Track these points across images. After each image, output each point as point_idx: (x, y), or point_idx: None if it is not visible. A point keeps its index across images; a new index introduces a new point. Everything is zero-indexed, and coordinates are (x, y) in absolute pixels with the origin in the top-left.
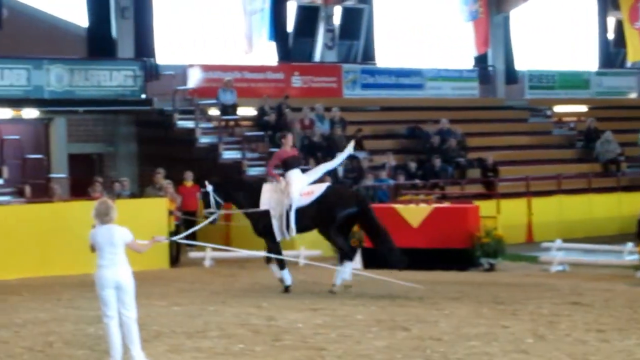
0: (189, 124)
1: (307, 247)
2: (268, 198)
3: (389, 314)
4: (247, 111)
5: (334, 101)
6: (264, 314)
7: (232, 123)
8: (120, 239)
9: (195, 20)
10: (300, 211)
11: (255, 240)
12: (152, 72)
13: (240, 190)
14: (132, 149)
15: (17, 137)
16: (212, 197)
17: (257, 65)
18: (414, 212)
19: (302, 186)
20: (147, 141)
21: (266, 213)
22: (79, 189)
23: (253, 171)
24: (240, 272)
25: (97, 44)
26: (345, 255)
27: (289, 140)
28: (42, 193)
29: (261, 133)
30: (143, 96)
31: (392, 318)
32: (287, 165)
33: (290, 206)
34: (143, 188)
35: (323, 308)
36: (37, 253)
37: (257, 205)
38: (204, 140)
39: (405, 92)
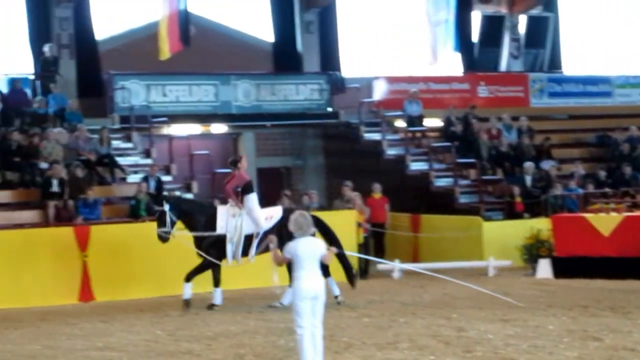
0: (376, 136)
1: (496, 257)
2: (224, 221)
3: (581, 324)
4: (433, 122)
5: (521, 110)
6: (454, 325)
7: (418, 134)
8: (319, 251)
9: (379, 32)
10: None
11: (444, 252)
12: (337, 85)
13: (195, 211)
14: (320, 162)
15: (206, 152)
16: (168, 216)
17: (443, 76)
18: (605, 220)
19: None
20: (334, 154)
21: (221, 237)
22: (268, 203)
23: (440, 182)
24: (429, 284)
25: (283, 59)
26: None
27: (244, 164)
28: None
29: (448, 144)
30: (329, 109)
31: (583, 328)
32: (245, 189)
33: (258, 233)
34: (331, 200)
35: (514, 319)
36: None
37: (211, 227)
38: (391, 152)
39: (593, 100)
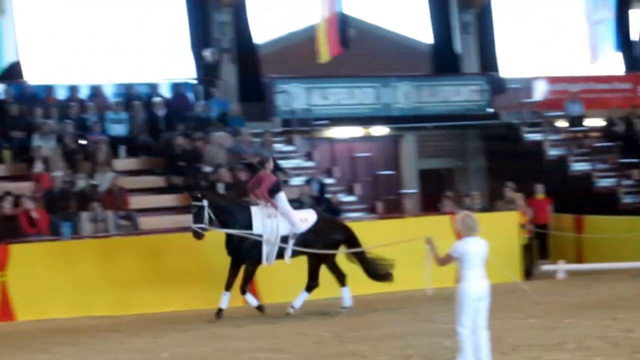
0: (537, 137)
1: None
2: (261, 222)
3: None
4: (594, 122)
5: None
6: (621, 325)
7: (580, 135)
8: (485, 251)
9: (537, 32)
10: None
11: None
12: (497, 86)
13: (233, 209)
14: (481, 163)
15: (368, 154)
16: (206, 212)
17: (604, 76)
18: None
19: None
20: (495, 155)
21: (258, 237)
22: (430, 204)
23: (603, 182)
24: (595, 284)
25: (442, 60)
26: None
27: (271, 164)
28: (394, 209)
29: (610, 144)
30: (490, 110)
31: None
32: (275, 189)
33: (294, 233)
34: (493, 202)
35: None
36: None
37: (247, 227)
38: (553, 152)
39: None
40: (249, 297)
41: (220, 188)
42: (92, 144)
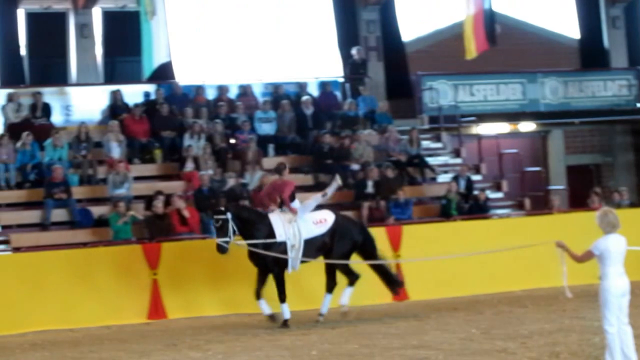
0: None
1: None
2: (282, 229)
3: None
4: None
5: None
6: None
7: None
8: (625, 248)
9: None
10: (312, 241)
11: None
12: None
13: (256, 220)
14: (629, 158)
15: (515, 150)
16: (231, 225)
17: None
18: None
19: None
20: None
21: (282, 245)
22: (577, 201)
23: None
24: None
25: (590, 55)
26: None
27: (287, 171)
28: (541, 205)
29: None
30: (639, 105)
31: None
32: (293, 196)
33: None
34: None
35: None
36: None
37: (269, 236)
38: None
39: None
40: (285, 307)
41: (369, 186)
42: (242, 143)
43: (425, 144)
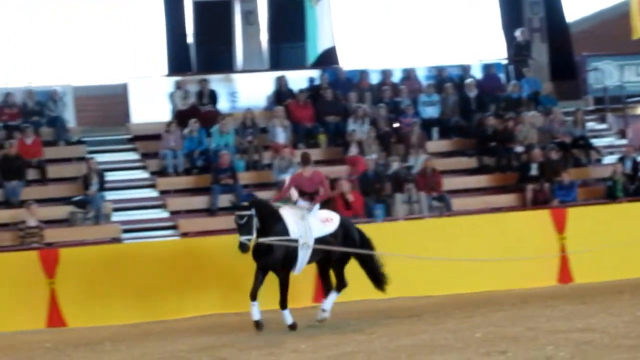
0: None
1: None
2: (296, 226)
3: None
4: None
5: None
6: None
7: None
8: None
9: None
10: (321, 240)
11: None
12: None
13: (272, 216)
14: None
15: None
16: (255, 222)
17: None
18: None
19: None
20: None
21: (294, 243)
22: None
23: None
24: None
25: None
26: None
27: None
28: None
29: None
30: None
31: None
32: (302, 192)
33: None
34: None
35: None
36: None
37: (283, 233)
38: None
39: None
40: (287, 313)
41: (533, 168)
42: (405, 126)
43: (590, 125)
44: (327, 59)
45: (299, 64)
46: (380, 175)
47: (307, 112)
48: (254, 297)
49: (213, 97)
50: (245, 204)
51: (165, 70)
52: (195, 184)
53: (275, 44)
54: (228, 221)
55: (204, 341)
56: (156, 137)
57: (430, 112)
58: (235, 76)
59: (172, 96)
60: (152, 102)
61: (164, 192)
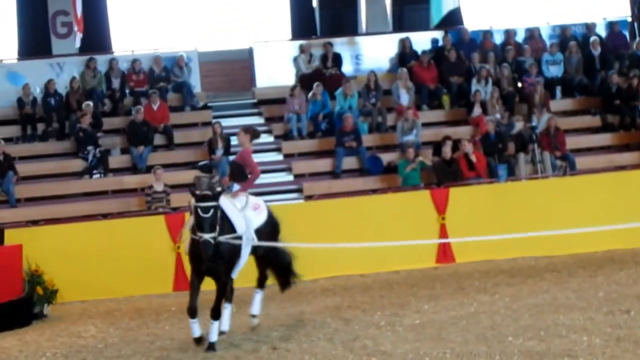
0: None
1: None
2: (241, 219)
3: None
4: None
5: None
6: None
7: None
8: None
9: None
10: (258, 232)
11: None
12: None
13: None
14: None
15: None
16: (219, 215)
17: None
18: None
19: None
20: None
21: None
22: None
23: None
24: None
25: None
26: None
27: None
28: None
29: None
30: None
31: None
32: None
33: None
34: None
35: None
36: None
37: (230, 229)
38: None
39: None
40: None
41: None
42: (529, 86)
43: None
44: (451, 19)
45: (423, 26)
46: (503, 135)
47: (430, 73)
48: (193, 313)
49: (337, 60)
50: (209, 193)
51: (290, 35)
52: (319, 148)
53: (399, 5)
54: (352, 183)
55: (328, 302)
56: (281, 101)
57: (554, 71)
58: (359, 39)
59: (296, 60)
60: (277, 67)
61: (288, 156)
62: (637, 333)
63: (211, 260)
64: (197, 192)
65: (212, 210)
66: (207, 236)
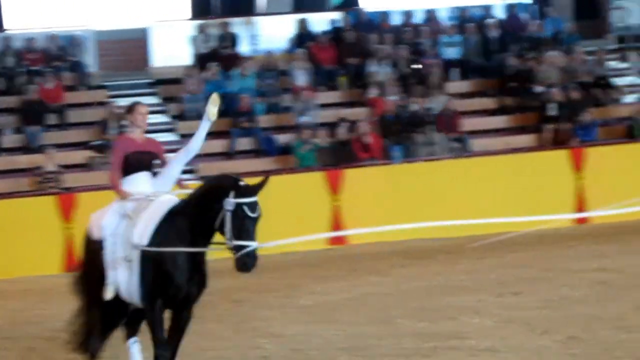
0: None
1: None
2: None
3: None
4: None
5: None
6: None
7: None
8: None
9: None
10: None
11: None
12: None
13: None
14: None
15: None
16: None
17: None
18: None
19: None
20: None
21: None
22: None
23: None
24: None
25: None
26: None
27: (139, 116)
28: None
29: None
30: None
31: None
32: (129, 166)
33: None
34: None
35: None
36: None
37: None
38: None
39: None
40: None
41: (553, 108)
42: (426, 68)
43: (612, 64)
44: (349, 0)
45: (321, 7)
46: (399, 117)
47: (328, 54)
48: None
49: (234, 40)
50: (253, 186)
51: (188, 14)
52: (215, 128)
53: None
54: (247, 164)
55: (218, 284)
56: (177, 81)
57: (452, 53)
58: (256, 19)
59: (193, 40)
60: (174, 46)
61: (184, 136)
62: (527, 315)
63: (198, 282)
64: (241, 183)
65: (258, 209)
66: (255, 244)
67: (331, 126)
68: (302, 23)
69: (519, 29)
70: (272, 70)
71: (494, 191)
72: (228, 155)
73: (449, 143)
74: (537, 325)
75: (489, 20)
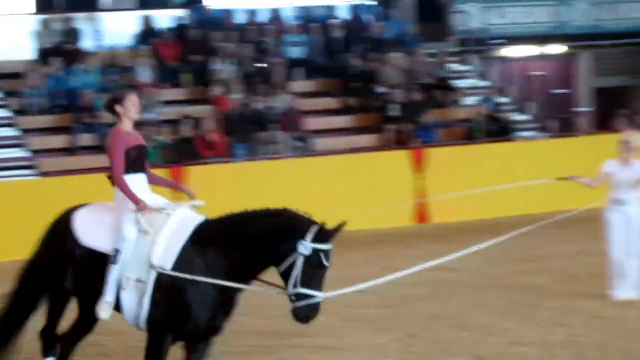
0: None
1: None
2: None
3: None
4: None
5: None
6: None
7: None
8: None
9: None
10: None
11: None
12: None
13: None
14: None
15: (542, 73)
16: None
17: None
18: None
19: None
20: None
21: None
22: (604, 123)
23: None
24: None
25: None
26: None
27: (131, 107)
28: (567, 128)
29: None
30: None
31: None
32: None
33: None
34: None
35: None
36: None
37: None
38: None
39: None
40: None
41: (395, 109)
42: (270, 67)
43: (453, 67)
44: None
45: (166, 3)
46: (243, 115)
47: (172, 51)
48: None
49: (78, 35)
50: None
51: (32, 9)
52: (57, 123)
53: None
54: (89, 160)
55: None
56: (19, 75)
57: (296, 52)
58: (101, 15)
59: (36, 34)
60: (16, 41)
61: (25, 131)
62: (368, 313)
63: (224, 313)
64: (317, 226)
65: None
66: (322, 296)
67: (175, 123)
68: (147, 20)
69: (363, 29)
70: (115, 67)
71: (335, 190)
72: (70, 150)
73: (292, 142)
74: (377, 324)
75: (333, 21)
